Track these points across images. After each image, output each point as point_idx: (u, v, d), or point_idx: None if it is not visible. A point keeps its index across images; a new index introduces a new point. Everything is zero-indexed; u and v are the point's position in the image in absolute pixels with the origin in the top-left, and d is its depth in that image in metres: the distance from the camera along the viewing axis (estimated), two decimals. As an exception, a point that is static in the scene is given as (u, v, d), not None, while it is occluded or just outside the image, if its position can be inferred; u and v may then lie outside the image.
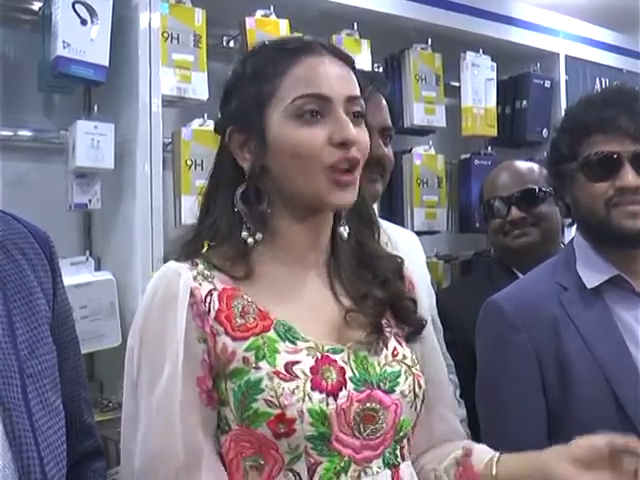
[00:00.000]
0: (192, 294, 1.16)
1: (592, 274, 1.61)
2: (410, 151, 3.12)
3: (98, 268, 2.30)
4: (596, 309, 1.58)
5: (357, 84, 1.23)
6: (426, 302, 1.40)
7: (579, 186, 1.60)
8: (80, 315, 2.09)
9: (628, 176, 1.53)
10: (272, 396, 1.11)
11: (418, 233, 2.65)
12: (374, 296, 1.24)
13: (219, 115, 1.31)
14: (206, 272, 1.19)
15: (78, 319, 2.04)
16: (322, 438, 1.12)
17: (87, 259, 2.23)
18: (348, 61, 1.24)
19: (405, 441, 1.23)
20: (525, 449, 1.42)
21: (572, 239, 1.70)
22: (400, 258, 1.32)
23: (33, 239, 1.18)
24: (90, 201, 2.24)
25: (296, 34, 1.31)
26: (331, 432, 1.12)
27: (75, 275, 2.15)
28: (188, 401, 1.13)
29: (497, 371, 1.60)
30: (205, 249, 1.22)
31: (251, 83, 1.21)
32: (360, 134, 1.19)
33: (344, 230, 1.26)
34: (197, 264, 1.19)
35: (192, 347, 1.14)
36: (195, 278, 1.17)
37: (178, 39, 2.42)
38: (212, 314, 1.16)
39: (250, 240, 1.20)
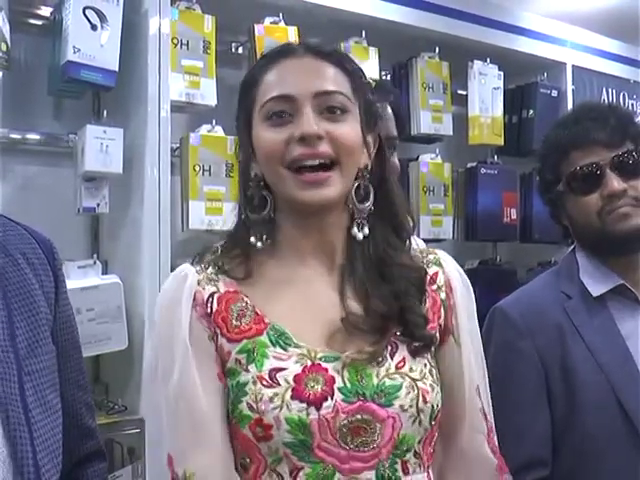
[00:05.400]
0: (194, 297, 1.19)
1: (597, 283, 1.63)
2: (417, 159, 3.13)
3: (105, 271, 2.31)
4: (600, 317, 1.60)
5: (337, 79, 1.21)
6: (467, 315, 1.31)
7: (570, 204, 1.66)
8: (87, 318, 2.11)
9: (613, 182, 1.58)
10: (253, 400, 1.12)
11: (424, 241, 2.65)
12: (375, 308, 1.21)
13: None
14: (212, 276, 1.22)
15: (85, 322, 2.07)
16: (302, 445, 1.12)
17: (94, 262, 2.24)
18: (331, 58, 1.23)
19: (410, 455, 1.18)
20: (528, 454, 1.43)
21: (573, 249, 1.72)
22: (424, 270, 1.28)
23: (36, 244, 1.21)
24: (98, 205, 2.25)
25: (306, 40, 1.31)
26: (312, 440, 1.12)
27: (82, 278, 2.17)
28: (210, 396, 1.16)
29: (503, 377, 1.61)
30: (219, 252, 1.25)
31: (242, 94, 1.26)
32: (335, 128, 1.18)
33: (358, 231, 1.23)
34: (207, 267, 1.23)
35: (204, 345, 1.17)
36: (199, 282, 1.20)
37: (187, 45, 2.44)
38: (212, 316, 1.19)
39: (259, 244, 1.22)
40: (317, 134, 1.16)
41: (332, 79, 1.21)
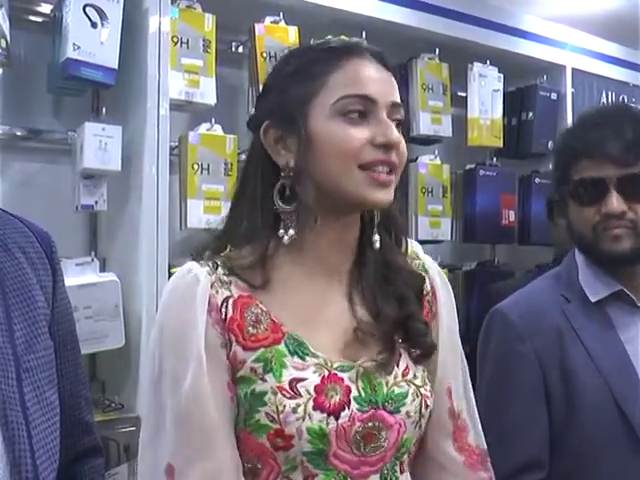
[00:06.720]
0: (209, 302, 1.15)
1: (595, 288, 1.63)
2: (415, 160, 3.13)
3: (103, 269, 2.30)
4: (599, 322, 1.60)
5: (397, 90, 1.22)
6: (448, 316, 1.32)
7: (571, 209, 1.65)
8: (84, 315, 2.10)
9: (613, 202, 1.55)
10: (273, 411, 1.11)
11: (422, 242, 2.63)
12: (387, 315, 1.21)
13: (253, 110, 1.32)
14: (224, 278, 1.17)
15: (82, 319, 2.06)
16: (319, 454, 1.12)
17: (92, 260, 2.24)
18: (389, 66, 1.23)
19: (405, 456, 1.22)
20: (525, 455, 1.42)
21: (573, 252, 1.72)
22: (423, 277, 1.29)
23: (34, 238, 1.20)
24: (96, 202, 2.24)
25: (310, 41, 1.30)
26: (329, 449, 1.12)
27: (80, 276, 2.16)
28: (220, 407, 1.13)
29: (501, 378, 1.62)
30: (227, 250, 1.21)
31: (294, 81, 1.20)
32: (401, 140, 1.18)
33: (377, 239, 1.23)
34: (217, 267, 1.18)
35: (217, 353, 1.13)
36: (212, 285, 1.16)
37: (187, 44, 2.44)
38: (227, 322, 1.15)
39: (286, 237, 1.18)
40: (397, 143, 1.16)
41: (397, 91, 1.22)
